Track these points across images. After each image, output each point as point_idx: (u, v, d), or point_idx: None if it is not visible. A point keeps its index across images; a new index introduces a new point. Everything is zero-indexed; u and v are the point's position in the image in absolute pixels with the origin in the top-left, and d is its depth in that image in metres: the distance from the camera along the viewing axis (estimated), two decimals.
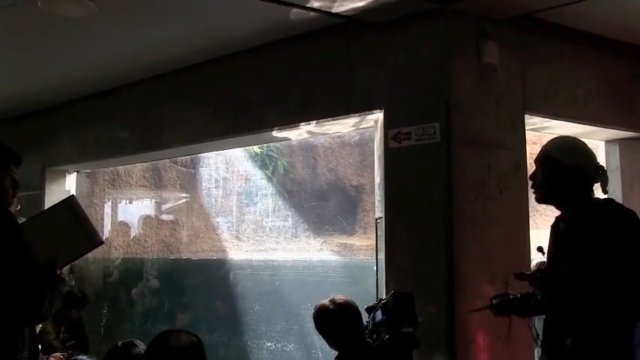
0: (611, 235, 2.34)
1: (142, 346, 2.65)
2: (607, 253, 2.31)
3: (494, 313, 2.64)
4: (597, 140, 4.63)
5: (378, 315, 2.73)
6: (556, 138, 2.70)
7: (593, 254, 2.33)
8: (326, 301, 2.88)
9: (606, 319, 2.35)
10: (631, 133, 4.57)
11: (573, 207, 2.48)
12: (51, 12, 3.74)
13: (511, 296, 2.63)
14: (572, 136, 2.81)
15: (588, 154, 2.54)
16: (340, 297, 2.90)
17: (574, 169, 2.47)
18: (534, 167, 2.57)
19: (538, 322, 2.75)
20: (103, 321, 6.46)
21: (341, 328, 2.81)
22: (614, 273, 2.29)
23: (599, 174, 2.51)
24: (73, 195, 3.21)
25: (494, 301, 2.64)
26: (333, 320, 2.82)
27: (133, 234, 7.39)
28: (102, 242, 3.15)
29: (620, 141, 4.69)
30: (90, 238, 3.00)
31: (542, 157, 2.53)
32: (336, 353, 2.86)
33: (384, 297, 2.85)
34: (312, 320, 2.94)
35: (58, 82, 5.42)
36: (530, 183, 2.58)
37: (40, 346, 4.47)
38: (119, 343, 2.75)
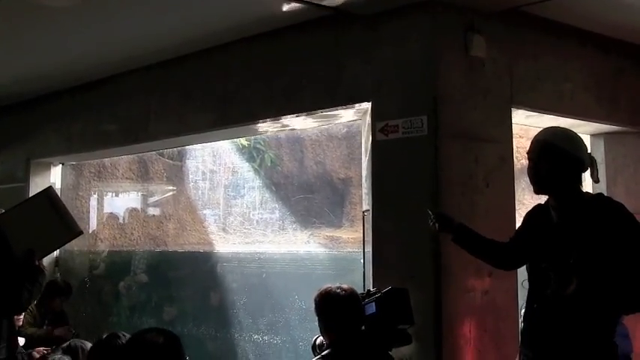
0: (620, 228, 2.37)
1: (124, 338, 2.64)
2: (621, 246, 2.34)
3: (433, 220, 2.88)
4: (583, 134, 4.66)
5: (371, 307, 2.73)
6: (552, 128, 2.71)
7: (608, 248, 2.34)
8: (333, 287, 2.86)
9: (611, 310, 2.38)
10: (616, 127, 4.62)
11: (566, 196, 2.50)
12: (36, 2, 3.70)
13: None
14: (562, 126, 2.83)
15: (583, 143, 2.58)
16: (346, 285, 2.89)
17: (574, 157, 2.50)
18: (531, 160, 2.55)
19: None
20: (85, 314, 6.42)
21: (344, 314, 2.80)
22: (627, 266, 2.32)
23: (591, 163, 2.55)
24: (50, 186, 3.20)
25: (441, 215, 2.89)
26: (339, 305, 2.80)
27: (119, 226, 7.35)
28: (81, 232, 3.13)
29: (606, 135, 4.73)
30: (69, 228, 3.00)
31: (547, 148, 2.51)
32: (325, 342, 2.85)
33: (372, 288, 2.85)
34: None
35: (43, 73, 5.36)
36: (530, 175, 2.56)
37: (23, 341, 4.45)
38: (104, 336, 2.73)
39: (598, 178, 2.56)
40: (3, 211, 3.03)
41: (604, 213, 2.42)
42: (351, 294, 2.82)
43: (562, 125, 4.14)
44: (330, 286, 2.87)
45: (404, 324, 2.69)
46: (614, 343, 2.46)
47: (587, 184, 2.68)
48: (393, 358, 2.82)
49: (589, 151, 2.63)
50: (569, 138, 2.55)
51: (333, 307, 2.80)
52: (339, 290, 2.82)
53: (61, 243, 3.15)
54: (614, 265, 2.33)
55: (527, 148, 2.62)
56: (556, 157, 2.48)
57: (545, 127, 2.78)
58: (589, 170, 2.56)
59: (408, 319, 2.69)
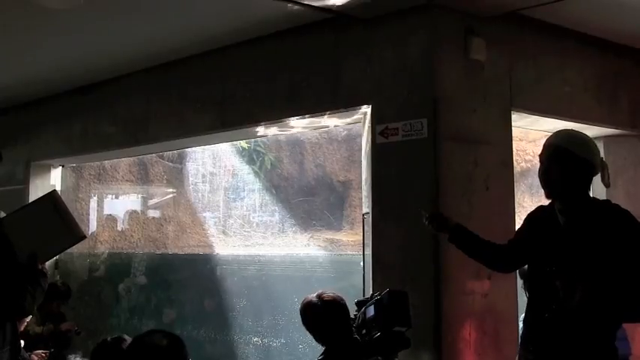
0: (628, 236, 2.35)
1: (127, 341, 2.63)
2: (627, 255, 2.32)
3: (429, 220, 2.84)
4: None
5: (370, 311, 2.72)
6: (565, 131, 2.67)
7: (614, 255, 2.33)
8: (313, 296, 2.86)
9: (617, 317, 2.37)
10: (615, 129, 4.62)
11: (575, 201, 2.48)
12: (37, 3, 3.70)
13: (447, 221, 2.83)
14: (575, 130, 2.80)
15: (597, 148, 2.55)
16: (328, 292, 2.89)
17: (587, 162, 2.47)
18: (543, 163, 2.53)
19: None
20: (84, 316, 6.41)
21: (327, 323, 2.80)
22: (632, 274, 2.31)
23: (602, 167, 2.52)
24: (54, 190, 3.19)
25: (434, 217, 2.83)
26: (320, 315, 2.81)
27: (119, 228, 7.35)
28: (84, 237, 3.13)
29: (605, 138, 4.73)
30: (72, 232, 2.99)
31: (559, 152, 2.48)
32: (322, 349, 2.85)
33: (376, 293, 2.85)
34: (299, 315, 2.94)
35: (44, 75, 5.37)
36: (541, 180, 2.53)
37: (22, 343, 4.46)
38: (108, 338, 2.73)
39: (609, 182, 2.53)
40: (3, 214, 3.03)
41: (612, 219, 2.40)
42: (327, 302, 2.81)
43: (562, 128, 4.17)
44: (310, 297, 2.87)
45: (400, 326, 2.67)
46: (615, 347, 2.46)
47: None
48: None
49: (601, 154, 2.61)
50: (582, 142, 2.52)
51: (314, 317, 2.81)
52: (318, 300, 2.83)
53: (64, 247, 3.14)
54: (618, 273, 2.31)
55: (539, 152, 2.58)
56: (568, 162, 2.45)
57: (557, 130, 2.73)
58: (600, 174, 2.54)
59: (405, 321, 2.67)
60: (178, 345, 2.17)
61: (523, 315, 2.71)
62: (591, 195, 2.56)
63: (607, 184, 2.52)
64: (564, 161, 2.46)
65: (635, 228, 2.38)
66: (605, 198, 2.60)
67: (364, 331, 2.76)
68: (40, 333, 5.07)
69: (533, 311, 2.59)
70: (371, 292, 3.17)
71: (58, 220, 2.94)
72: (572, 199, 2.48)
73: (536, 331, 2.54)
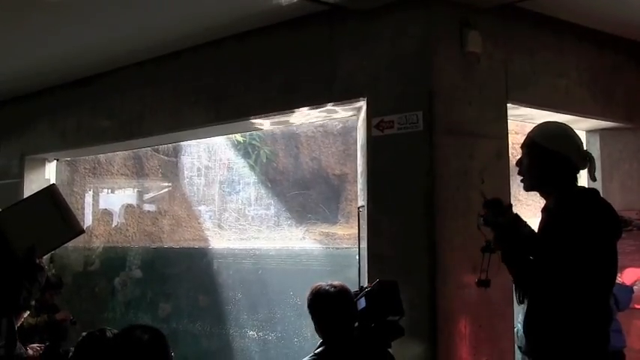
0: (576, 226, 2.31)
1: (110, 333, 2.62)
2: (566, 243, 2.30)
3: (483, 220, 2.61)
4: (578, 130, 4.66)
5: (362, 302, 2.73)
6: (542, 123, 2.65)
7: (556, 241, 2.33)
8: (323, 284, 2.83)
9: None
10: (611, 123, 4.62)
11: (557, 196, 2.46)
12: None
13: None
14: (558, 122, 2.77)
15: (573, 141, 2.49)
16: (337, 282, 2.88)
17: (558, 155, 2.42)
18: (520, 154, 2.54)
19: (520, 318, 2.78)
20: (80, 310, 6.40)
21: (336, 312, 2.78)
22: (567, 264, 2.30)
23: (586, 161, 2.48)
24: (53, 184, 3.18)
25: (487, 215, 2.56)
26: (331, 303, 2.78)
27: (114, 223, 7.34)
28: (82, 231, 3.13)
29: (601, 131, 4.74)
30: (70, 227, 2.99)
31: (527, 144, 2.49)
32: (319, 341, 2.85)
33: (365, 285, 2.85)
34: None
35: (37, 68, 5.34)
36: (517, 170, 2.55)
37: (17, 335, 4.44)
38: (90, 332, 2.72)
39: (595, 177, 2.51)
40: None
41: (573, 209, 2.36)
42: (340, 291, 2.80)
43: (558, 121, 4.17)
44: (320, 283, 2.85)
45: (393, 315, 2.68)
46: (606, 335, 2.45)
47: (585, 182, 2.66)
48: (392, 355, 2.80)
49: (585, 148, 2.59)
50: (554, 135, 2.49)
51: (323, 304, 2.79)
52: (328, 287, 2.80)
53: (63, 241, 3.13)
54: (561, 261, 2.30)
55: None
56: (534, 153, 2.45)
57: (539, 122, 2.76)
58: (587, 168, 2.53)
59: (397, 310, 2.68)
60: (160, 340, 2.19)
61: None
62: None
63: (593, 178, 2.50)
64: (534, 154, 2.46)
65: (585, 225, 2.31)
66: (602, 190, 2.59)
67: (357, 324, 2.76)
68: (34, 324, 5.05)
69: (530, 302, 2.60)
70: (360, 285, 3.17)
71: (56, 214, 2.94)
72: (549, 192, 2.47)
73: (528, 321, 2.55)
